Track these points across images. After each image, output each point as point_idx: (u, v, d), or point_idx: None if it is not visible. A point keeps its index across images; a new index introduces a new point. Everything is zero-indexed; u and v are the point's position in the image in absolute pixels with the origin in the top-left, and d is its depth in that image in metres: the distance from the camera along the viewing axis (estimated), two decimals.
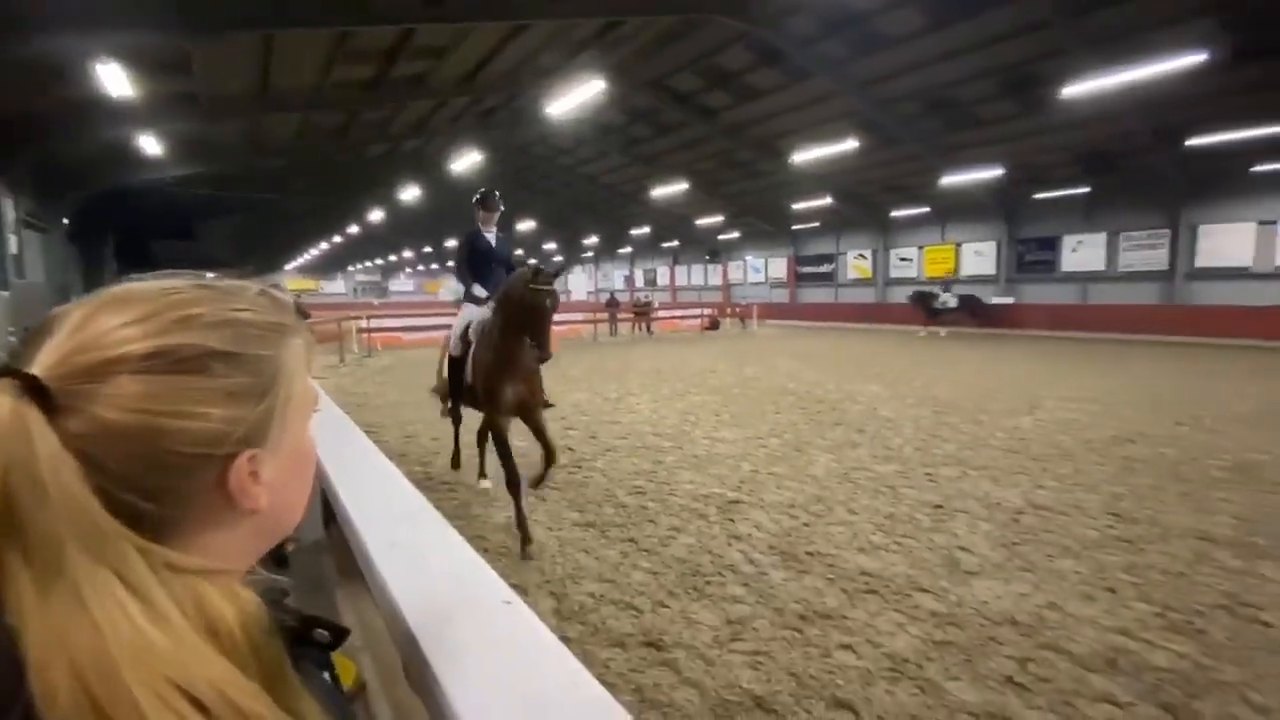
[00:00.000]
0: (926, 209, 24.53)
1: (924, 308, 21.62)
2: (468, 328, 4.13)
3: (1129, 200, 20.01)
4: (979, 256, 24.73)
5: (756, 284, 33.86)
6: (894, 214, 25.83)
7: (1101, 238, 21.32)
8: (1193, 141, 15.54)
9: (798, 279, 31.80)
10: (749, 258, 34.51)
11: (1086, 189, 20.28)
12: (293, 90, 14.81)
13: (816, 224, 29.27)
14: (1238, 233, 18.51)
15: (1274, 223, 17.81)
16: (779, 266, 32.82)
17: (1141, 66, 11.28)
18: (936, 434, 6.48)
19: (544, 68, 15.56)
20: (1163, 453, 5.66)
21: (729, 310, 26.75)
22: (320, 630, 0.53)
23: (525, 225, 34.61)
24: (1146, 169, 18.38)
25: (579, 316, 25.70)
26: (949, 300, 21.28)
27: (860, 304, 28.08)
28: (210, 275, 0.50)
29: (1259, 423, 6.87)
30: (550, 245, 43.76)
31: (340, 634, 0.54)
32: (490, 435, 4.00)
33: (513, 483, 3.78)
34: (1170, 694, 2.32)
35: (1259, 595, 3.06)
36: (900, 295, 26.02)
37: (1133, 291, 20.54)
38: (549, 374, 4.28)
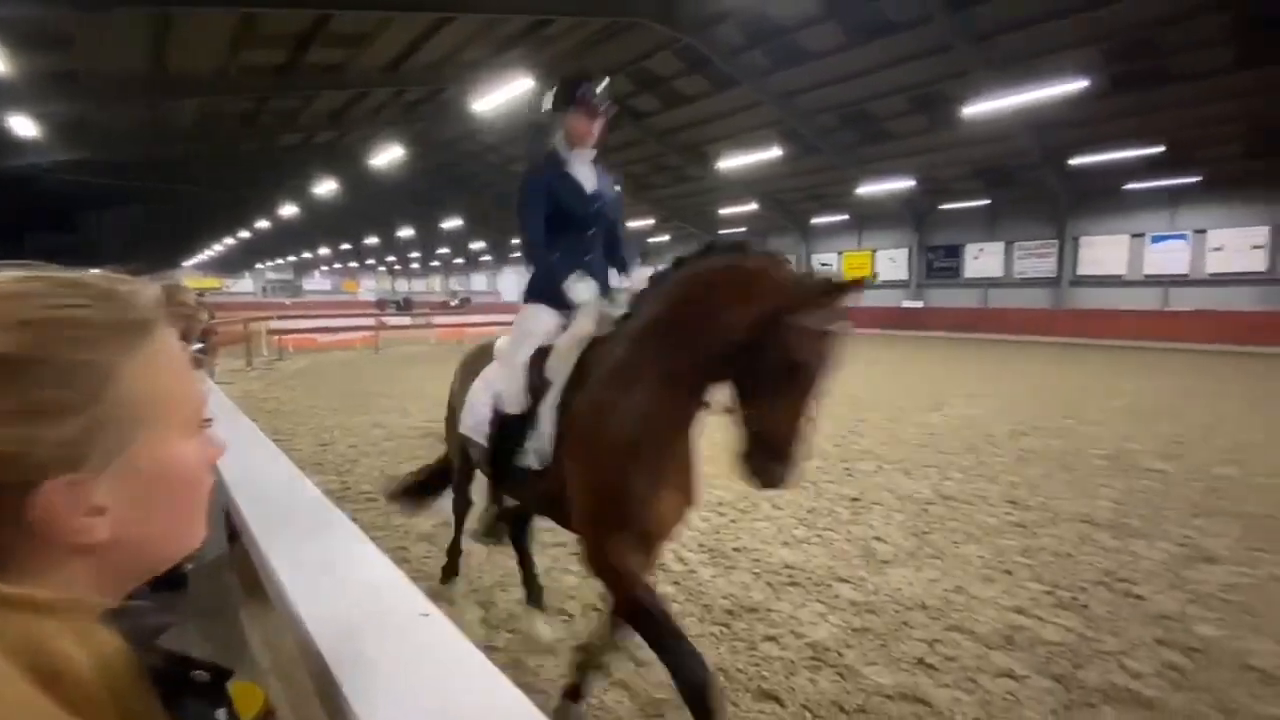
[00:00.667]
0: (845, 216, 25.76)
1: None
2: (541, 357, 2.11)
3: (1023, 212, 21.83)
4: (892, 263, 26.20)
5: None
6: (815, 221, 26.97)
7: (1000, 246, 23.14)
8: (1075, 160, 17.13)
9: None
10: None
11: (987, 201, 21.94)
12: (194, 73, 13.75)
13: (743, 228, 30.09)
14: (1114, 244, 20.55)
15: (1143, 235, 19.90)
16: None
17: (1033, 90, 12.30)
18: (854, 430, 6.79)
19: (470, 62, 15.20)
20: (1051, 444, 6.19)
21: None
22: (199, 671, 0.46)
23: (452, 223, 33.66)
24: (1037, 184, 20.08)
25: (510, 318, 25.29)
26: None
27: None
28: (96, 270, 0.43)
29: (1132, 415, 7.63)
30: (479, 244, 42.78)
31: (222, 674, 0.48)
32: (599, 571, 1.83)
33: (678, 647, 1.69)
34: (1060, 665, 2.53)
35: (1132, 571, 3.40)
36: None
37: (1026, 296, 22.39)
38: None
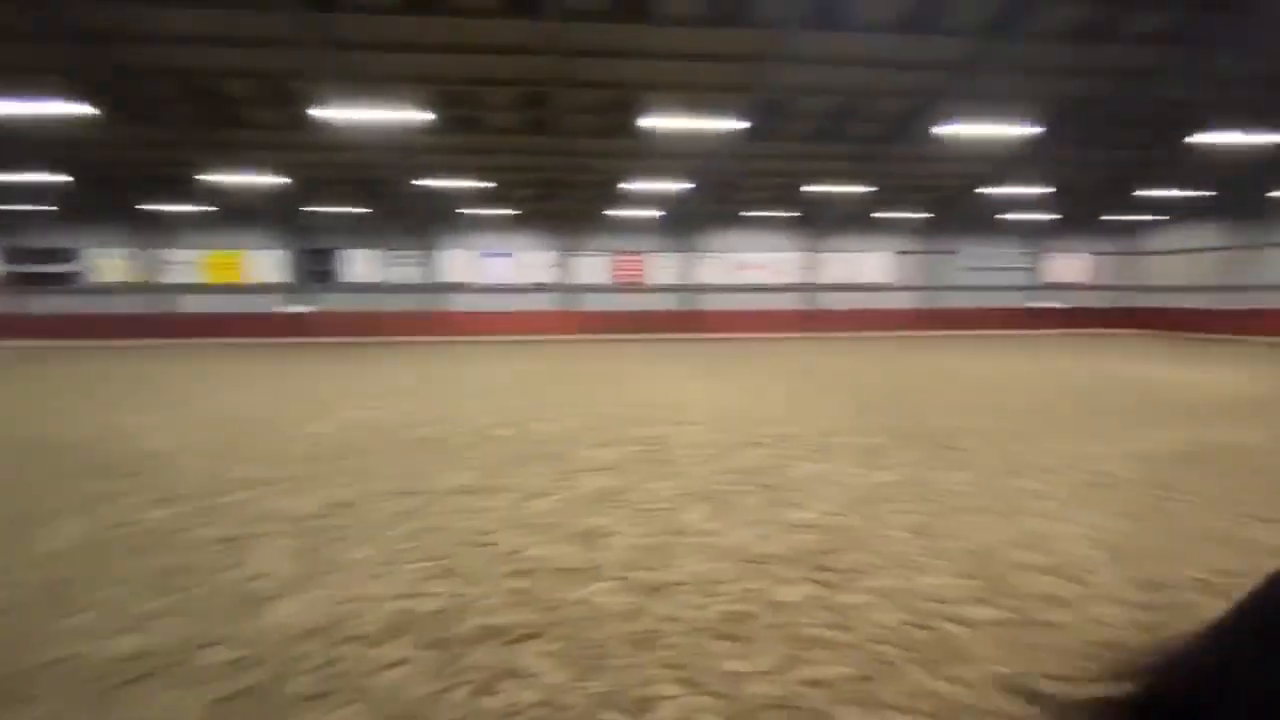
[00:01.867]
0: (209, 207, 21.96)
1: None
2: None
3: (395, 224, 23.88)
4: (270, 264, 24.27)
5: None
6: (150, 207, 21.90)
7: (377, 254, 24.68)
8: (423, 182, 19.72)
9: (17, 280, 22.81)
10: None
11: (364, 209, 22.86)
12: None
13: (50, 206, 21.57)
14: (465, 257, 25.07)
15: (480, 252, 25.08)
16: None
17: (385, 110, 13.27)
18: (235, 459, 5.87)
19: None
20: (428, 433, 6.98)
21: None
22: None
23: None
24: (406, 199, 22.25)
25: None
26: None
27: (134, 315, 22.89)
28: None
29: (508, 394, 9.45)
30: None
31: None
32: None
33: None
34: (443, 630, 2.80)
35: (489, 524, 4.13)
36: (202, 305, 22.99)
37: (403, 300, 24.74)
38: None
